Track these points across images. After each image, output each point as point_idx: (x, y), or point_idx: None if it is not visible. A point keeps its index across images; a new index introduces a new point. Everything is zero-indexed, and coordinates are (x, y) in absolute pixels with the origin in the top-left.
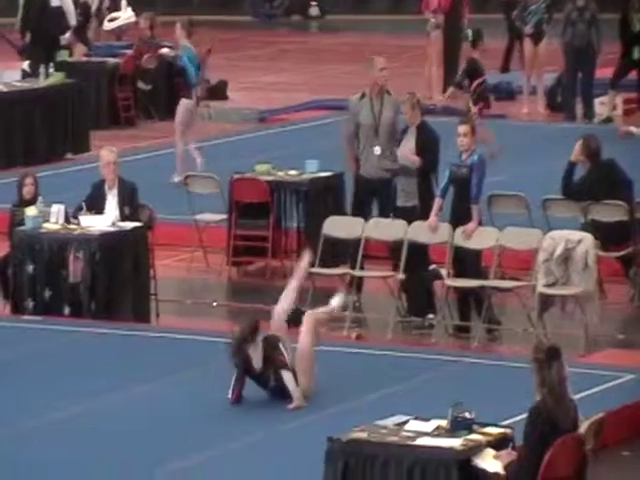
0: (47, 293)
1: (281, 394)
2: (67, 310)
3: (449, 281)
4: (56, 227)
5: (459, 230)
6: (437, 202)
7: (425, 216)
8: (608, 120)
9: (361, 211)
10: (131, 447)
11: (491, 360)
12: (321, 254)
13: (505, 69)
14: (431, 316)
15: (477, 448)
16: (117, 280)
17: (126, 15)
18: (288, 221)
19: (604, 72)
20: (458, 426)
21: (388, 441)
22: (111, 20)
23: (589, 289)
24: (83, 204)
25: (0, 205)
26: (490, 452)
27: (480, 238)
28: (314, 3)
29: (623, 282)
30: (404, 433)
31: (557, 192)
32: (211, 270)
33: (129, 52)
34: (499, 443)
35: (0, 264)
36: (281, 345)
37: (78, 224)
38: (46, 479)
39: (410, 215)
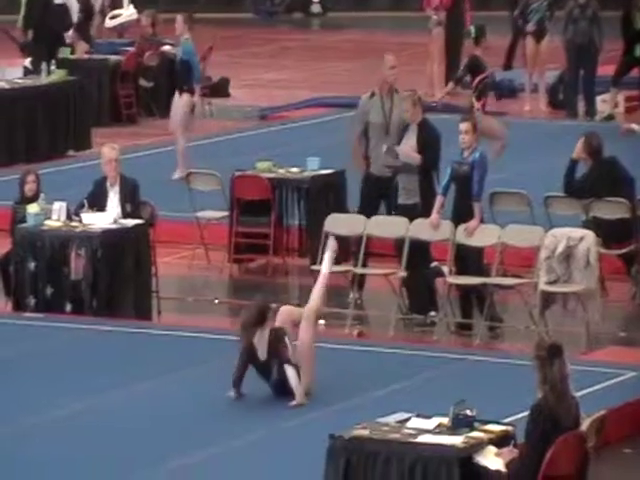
0: (49, 290)
1: (283, 389)
2: (68, 307)
3: (451, 278)
4: (58, 224)
5: (461, 228)
6: (439, 200)
7: (426, 213)
8: (610, 118)
9: (369, 209)
10: (133, 445)
11: (493, 358)
12: (322, 251)
13: (508, 66)
14: (433, 314)
15: (479, 445)
16: (119, 277)
17: (128, 12)
18: (289, 218)
19: (606, 70)
20: (460, 423)
21: (390, 438)
22: (113, 17)
23: (591, 287)
24: (85, 201)
25: (2, 202)
26: (492, 449)
27: (482, 235)
28: (315, 0)
29: (625, 280)
30: (406, 430)
31: (559, 190)
32: (212, 267)
33: (131, 49)
34: (501, 441)
35: (2, 261)
36: (286, 339)
37: (80, 221)
38: (47, 476)
39: (411, 213)
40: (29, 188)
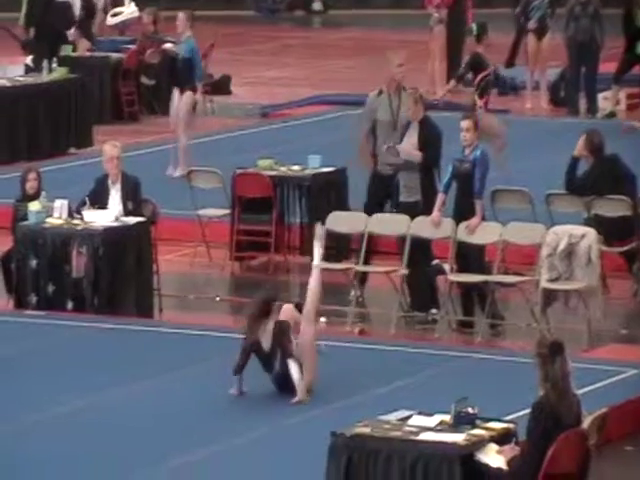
0: (50, 288)
1: (284, 382)
2: (70, 305)
3: (452, 276)
4: (59, 222)
5: (462, 225)
6: (440, 197)
7: (428, 211)
8: (611, 115)
9: (376, 207)
10: (135, 442)
11: (494, 355)
12: (324, 249)
13: (511, 64)
14: (434, 311)
15: (480, 443)
16: (120, 275)
17: (129, 10)
18: (291, 216)
19: (607, 67)
20: (461, 421)
21: (391, 436)
22: (114, 15)
23: (592, 284)
24: (86, 199)
25: (3, 200)
26: (493, 447)
27: (483, 233)
28: None
29: (626, 277)
30: (407, 428)
31: (560, 187)
32: (214, 265)
33: (132, 47)
34: (502, 438)
35: (3, 259)
36: (291, 333)
37: (81, 219)
38: (49, 474)
39: (412, 210)
40: (30, 186)
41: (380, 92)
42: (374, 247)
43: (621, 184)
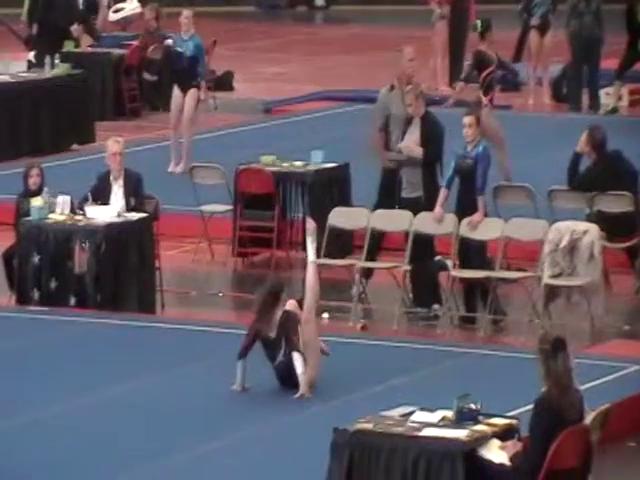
0: (53, 284)
1: (287, 374)
2: (72, 301)
3: (455, 272)
4: (62, 218)
5: (465, 221)
6: (442, 193)
7: (430, 207)
8: (614, 111)
9: (388, 202)
10: (137, 438)
11: (497, 351)
12: (326, 245)
13: (517, 60)
14: (437, 307)
15: (483, 439)
16: (122, 271)
17: (131, 6)
18: (293, 212)
19: (610, 63)
20: (464, 417)
21: (394, 432)
22: (116, 11)
23: (595, 280)
24: (89, 195)
25: (6, 196)
26: (496, 443)
27: (485, 229)
28: None
29: (629, 273)
30: (410, 424)
31: (563, 183)
32: (216, 261)
33: (135, 43)
34: (505, 434)
35: (6, 255)
36: (298, 327)
37: (84, 215)
38: (51, 470)
39: (415, 206)
40: (33, 182)
41: (392, 87)
42: (384, 244)
43: (623, 180)
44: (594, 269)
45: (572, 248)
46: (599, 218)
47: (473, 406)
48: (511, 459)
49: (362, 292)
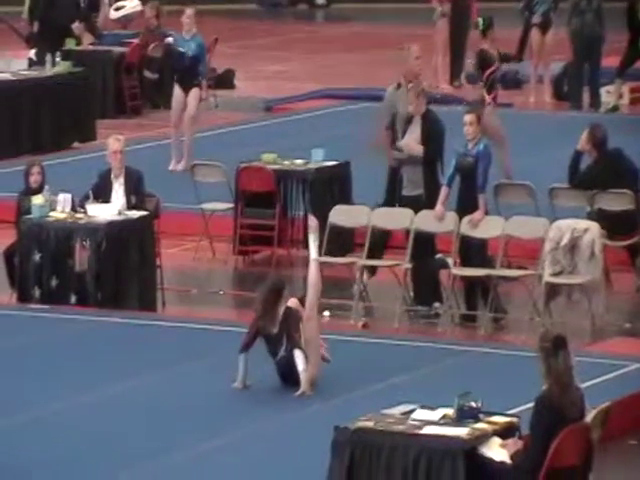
0: (54, 282)
1: (288, 370)
2: (73, 299)
3: (455, 270)
4: (63, 216)
5: (465, 219)
6: (443, 191)
7: (430, 205)
8: (615, 109)
9: (394, 201)
10: (137, 436)
11: (497, 349)
12: (327, 243)
13: (519, 59)
14: (437, 305)
15: (483, 437)
16: (123, 269)
17: (132, 4)
18: (294, 210)
19: (611, 61)
20: (464, 415)
21: (394, 430)
22: (117, 9)
23: (595, 278)
24: (90, 193)
25: (7, 194)
26: (496, 441)
27: (486, 227)
28: None
29: (629, 271)
30: (410, 422)
31: (563, 181)
32: (217, 259)
33: (135, 41)
34: (505, 432)
35: (7, 253)
36: (301, 325)
37: (84, 213)
38: (50, 468)
39: (416, 204)
40: (34, 180)
41: (398, 86)
42: (391, 242)
43: (624, 178)
44: (595, 267)
45: (573, 246)
46: (600, 216)
47: (474, 404)
48: (512, 457)
49: (363, 290)
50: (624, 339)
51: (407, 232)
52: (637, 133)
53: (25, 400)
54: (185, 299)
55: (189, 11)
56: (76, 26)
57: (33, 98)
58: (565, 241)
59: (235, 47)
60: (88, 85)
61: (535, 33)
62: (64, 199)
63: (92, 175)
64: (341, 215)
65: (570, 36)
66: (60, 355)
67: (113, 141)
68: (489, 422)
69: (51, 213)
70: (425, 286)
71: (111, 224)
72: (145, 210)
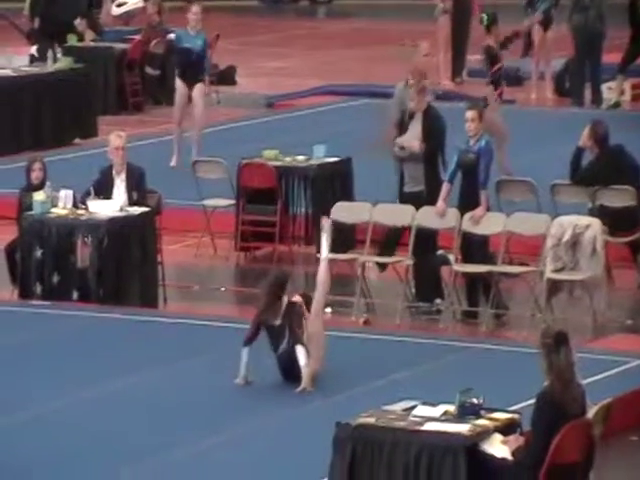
0: (55, 278)
1: (290, 365)
2: (75, 295)
3: (457, 266)
4: (64, 212)
5: (467, 216)
6: (445, 187)
7: (432, 201)
8: (616, 105)
9: None
10: (139, 432)
11: (499, 345)
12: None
13: (525, 55)
14: (439, 301)
15: (485, 433)
16: (125, 265)
17: (134, 0)
18: (296, 206)
19: (612, 57)
20: (466, 411)
21: (396, 426)
22: (119, 5)
23: (597, 274)
24: (91, 189)
25: (8, 190)
26: (498, 437)
27: (488, 223)
28: None
29: (631, 267)
30: (412, 418)
31: (565, 177)
32: (219, 255)
33: (137, 37)
34: (507, 428)
35: (8, 249)
36: (304, 320)
37: (86, 209)
38: (51, 465)
39: (417, 200)
40: (35, 176)
41: (407, 82)
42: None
43: (626, 174)
44: (596, 263)
45: (574, 242)
46: (601, 212)
47: (475, 400)
48: (513, 453)
49: (364, 286)
50: (626, 335)
51: (409, 228)
52: (639, 129)
53: (26, 397)
54: (186, 295)
55: (195, 8)
56: (79, 22)
57: (34, 94)
58: (567, 237)
59: (237, 43)
60: (90, 81)
61: (537, 30)
62: (65, 195)
63: (93, 171)
64: (343, 211)
65: (572, 32)
66: (61, 351)
67: (115, 137)
68: (490, 418)
69: (52, 209)
70: (426, 282)
71: (113, 220)
72: (147, 206)
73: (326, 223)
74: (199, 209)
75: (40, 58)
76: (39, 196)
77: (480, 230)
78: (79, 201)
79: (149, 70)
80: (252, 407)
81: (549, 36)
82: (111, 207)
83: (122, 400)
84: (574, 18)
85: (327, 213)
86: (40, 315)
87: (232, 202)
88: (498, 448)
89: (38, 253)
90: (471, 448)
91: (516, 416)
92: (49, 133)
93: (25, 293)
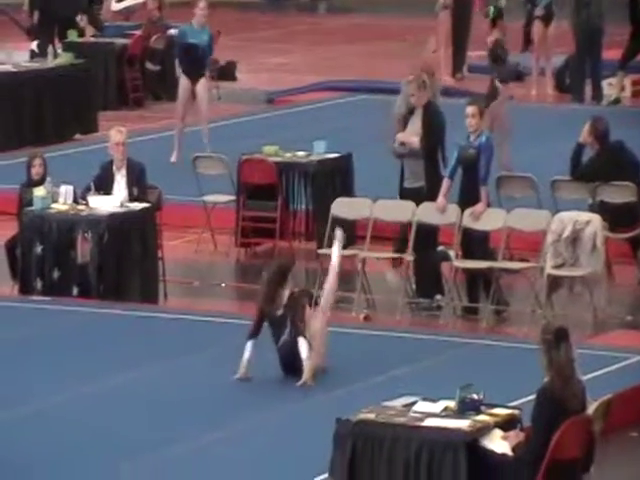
0: (55, 274)
1: (291, 357)
2: (75, 291)
3: (457, 262)
4: (64, 208)
5: (467, 211)
6: (445, 183)
7: (432, 197)
8: (616, 101)
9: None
10: (139, 428)
11: (499, 341)
12: (329, 235)
13: (525, 50)
14: (439, 297)
15: (485, 429)
16: (125, 261)
17: None
18: (296, 202)
19: (613, 53)
20: (466, 407)
21: (396, 422)
22: (119, 1)
23: (597, 270)
24: (92, 185)
25: (9, 186)
26: (498, 433)
27: (488, 219)
28: None
29: (631, 264)
30: (412, 414)
31: (565, 173)
32: (219, 251)
33: (137, 33)
34: (507, 424)
35: (9, 245)
36: (306, 312)
37: (86, 205)
38: (51, 460)
39: (417, 196)
40: (36, 171)
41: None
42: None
43: (626, 171)
44: (597, 260)
45: (575, 238)
46: (602, 209)
47: (475, 396)
48: (513, 449)
49: (365, 282)
50: (626, 331)
51: (409, 224)
52: (639, 126)
53: (27, 392)
54: (187, 291)
55: (202, 3)
56: (80, 18)
57: (35, 90)
58: (567, 233)
59: (237, 39)
60: (90, 77)
61: (538, 25)
62: (66, 191)
63: (94, 167)
64: (343, 207)
65: (573, 28)
66: (62, 347)
67: (115, 133)
68: (491, 414)
69: (53, 205)
70: (427, 278)
71: (113, 216)
72: (147, 202)
73: (340, 235)
74: (199, 205)
75: (40, 54)
76: (39, 192)
77: (480, 226)
78: (79, 197)
79: (149, 65)
80: (252, 402)
81: (550, 32)
82: (111, 203)
83: (122, 395)
84: (577, 14)
85: (327, 209)
86: (40, 310)
87: (232, 198)
88: (498, 444)
89: (38, 249)
90: (471, 444)
91: (516, 412)
92: (49, 129)
93: (25, 289)
